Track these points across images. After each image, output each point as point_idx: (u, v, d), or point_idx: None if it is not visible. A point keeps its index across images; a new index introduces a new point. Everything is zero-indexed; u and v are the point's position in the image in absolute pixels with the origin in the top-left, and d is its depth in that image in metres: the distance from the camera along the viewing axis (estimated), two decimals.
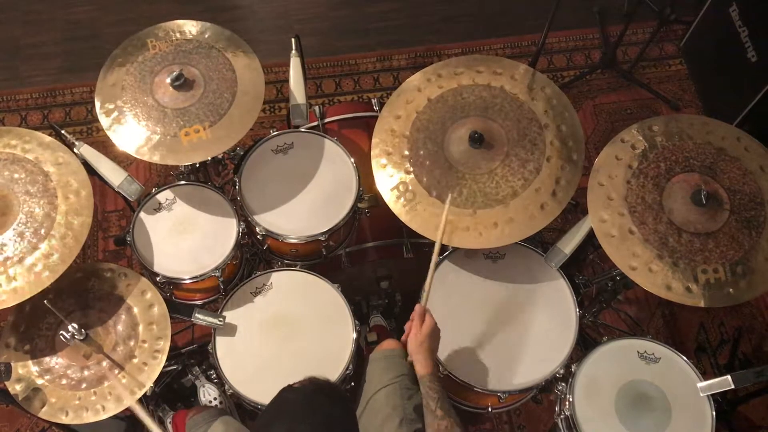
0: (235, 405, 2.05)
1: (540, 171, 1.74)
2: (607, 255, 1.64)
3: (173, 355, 2.19)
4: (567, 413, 1.71)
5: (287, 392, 1.25)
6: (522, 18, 3.23)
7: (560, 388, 1.77)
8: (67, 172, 1.73)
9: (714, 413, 1.66)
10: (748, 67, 2.65)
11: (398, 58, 3.14)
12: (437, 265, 1.71)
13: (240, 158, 1.99)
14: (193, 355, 2.23)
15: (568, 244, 1.79)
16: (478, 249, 1.84)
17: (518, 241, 1.79)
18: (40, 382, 1.68)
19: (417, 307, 1.60)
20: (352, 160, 1.97)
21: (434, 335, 1.58)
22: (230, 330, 1.81)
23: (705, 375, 1.72)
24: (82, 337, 1.66)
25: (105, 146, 1.99)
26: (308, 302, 1.85)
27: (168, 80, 1.82)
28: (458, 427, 1.42)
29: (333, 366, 1.76)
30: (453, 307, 1.80)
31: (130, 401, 1.58)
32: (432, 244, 1.69)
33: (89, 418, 1.65)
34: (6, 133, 1.78)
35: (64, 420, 1.65)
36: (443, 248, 1.80)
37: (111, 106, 1.83)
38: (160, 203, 1.94)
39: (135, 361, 1.70)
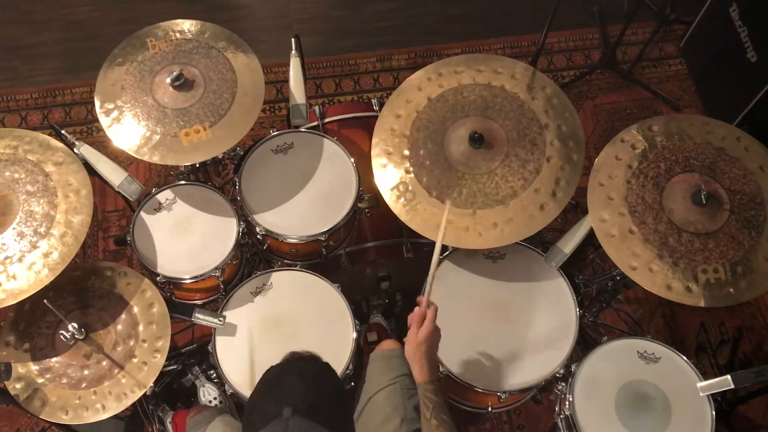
0: (235, 405, 2.05)
1: (540, 171, 1.74)
2: (607, 255, 1.64)
3: (173, 354, 2.19)
4: (567, 413, 1.71)
5: (271, 369, 1.25)
6: (522, 18, 3.23)
7: (560, 387, 1.77)
8: (67, 171, 1.73)
9: (714, 413, 1.66)
10: (748, 66, 2.65)
11: (398, 58, 3.14)
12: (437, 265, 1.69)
13: (240, 158, 1.99)
14: (193, 354, 2.23)
15: (568, 243, 1.79)
16: (478, 249, 1.84)
17: (518, 241, 1.79)
18: (40, 381, 1.68)
19: (416, 310, 1.52)
20: (352, 160, 1.97)
21: (432, 340, 1.48)
22: (230, 330, 1.81)
23: (705, 375, 1.71)
24: (82, 337, 1.67)
25: (105, 146, 1.99)
26: (308, 302, 1.85)
27: (168, 80, 1.82)
28: None
29: (333, 366, 1.75)
30: (453, 307, 1.80)
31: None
32: (432, 243, 1.68)
33: (89, 417, 1.65)
34: (7, 134, 1.78)
35: (65, 419, 1.65)
36: (443, 248, 1.79)
37: (111, 106, 1.83)
38: (160, 203, 1.94)
39: (135, 360, 1.70)
